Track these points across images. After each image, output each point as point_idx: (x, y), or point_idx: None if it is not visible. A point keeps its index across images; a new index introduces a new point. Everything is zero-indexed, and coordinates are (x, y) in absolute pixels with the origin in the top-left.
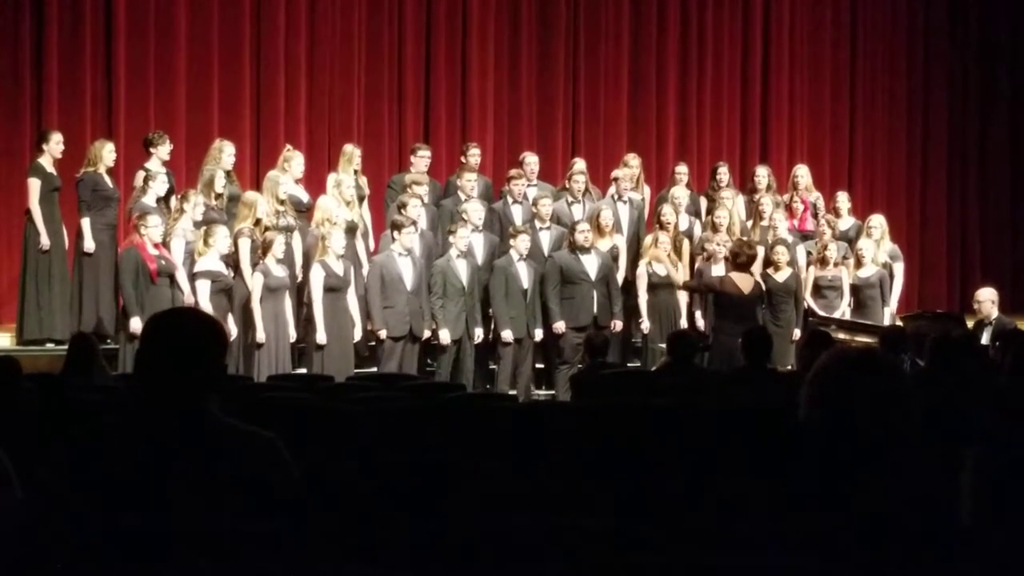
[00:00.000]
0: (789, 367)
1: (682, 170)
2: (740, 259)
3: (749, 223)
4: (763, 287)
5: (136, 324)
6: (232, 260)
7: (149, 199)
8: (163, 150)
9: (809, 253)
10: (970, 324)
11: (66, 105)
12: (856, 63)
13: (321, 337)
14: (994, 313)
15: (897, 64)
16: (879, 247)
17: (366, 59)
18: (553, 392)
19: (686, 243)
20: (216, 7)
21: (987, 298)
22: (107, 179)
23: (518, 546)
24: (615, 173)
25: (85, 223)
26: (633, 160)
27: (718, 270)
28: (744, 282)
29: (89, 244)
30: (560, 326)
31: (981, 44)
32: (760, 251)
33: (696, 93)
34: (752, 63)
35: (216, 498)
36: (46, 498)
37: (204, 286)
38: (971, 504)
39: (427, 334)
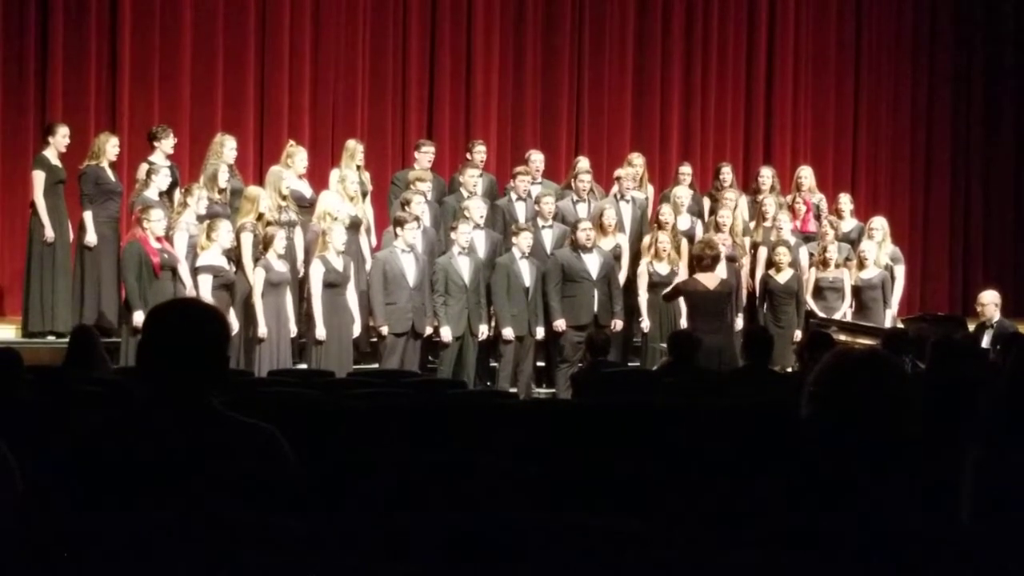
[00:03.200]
0: (790, 369)
1: (685, 170)
2: (704, 262)
3: (752, 224)
4: (731, 284)
5: (139, 317)
6: (234, 255)
7: (152, 193)
8: (167, 144)
9: (811, 254)
10: (971, 326)
11: (70, 98)
12: (861, 65)
13: (320, 333)
14: (996, 316)
15: (902, 66)
16: (881, 249)
17: (370, 55)
18: (554, 391)
19: (684, 243)
20: (221, 2)
21: (990, 301)
22: (109, 172)
23: (517, 544)
24: (618, 172)
25: (87, 216)
26: (636, 159)
27: (721, 270)
28: (709, 279)
29: (91, 238)
30: (560, 324)
31: (986, 46)
32: (763, 252)
33: (700, 93)
34: (756, 63)
35: (217, 491)
36: (47, 492)
37: (206, 280)
38: (971, 507)
39: (429, 331)
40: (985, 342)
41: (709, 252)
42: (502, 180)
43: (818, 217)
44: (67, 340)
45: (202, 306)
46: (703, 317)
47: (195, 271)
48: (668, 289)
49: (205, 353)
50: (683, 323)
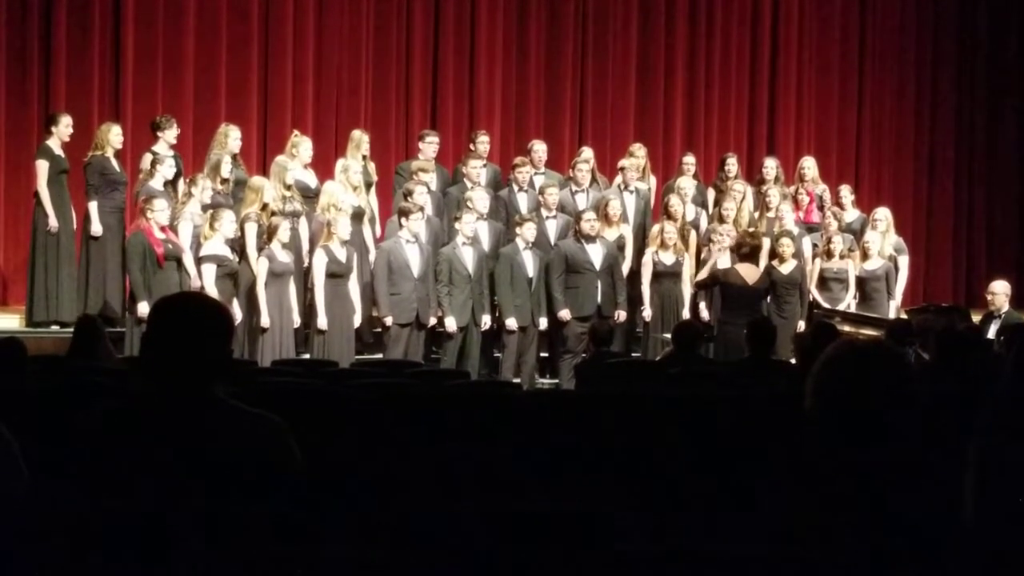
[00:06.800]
0: (793, 360)
1: (689, 160)
2: (743, 249)
3: (756, 214)
4: (769, 278)
5: (143, 308)
6: (238, 244)
7: (156, 183)
8: (170, 134)
9: (815, 245)
10: (979, 316)
11: (74, 88)
12: (865, 55)
13: (322, 322)
14: (1006, 306)
15: (906, 56)
16: (884, 239)
17: (374, 45)
18: (557, 381)
19: (692, 234)
20: None
21: (1001, 290)
22: (114, 163)
23: (520, 533)
24: (621, 163)
25: (92, 207)
26: (639, 150)
27: (724, 261)
28: (749, 273)
29: (96, 228)
30: (564, 315)
31: (990, 36)
32: (766, 242)
33: (704, 83)
34: (760, 54)
35: (221, 481)
36: (52, 481)
37: (210, 270)
38: (973, 497)
39: (433, 321)
40: (991, 332)
41: (751, 241)
42: (506, 170)
43: (821, 208)
44: (71, 330)
45: (206, 301)
46: (737, 310)
47: (199, 260)
48: (704, 276)
49: (209, 349)
50: (685, 313)
